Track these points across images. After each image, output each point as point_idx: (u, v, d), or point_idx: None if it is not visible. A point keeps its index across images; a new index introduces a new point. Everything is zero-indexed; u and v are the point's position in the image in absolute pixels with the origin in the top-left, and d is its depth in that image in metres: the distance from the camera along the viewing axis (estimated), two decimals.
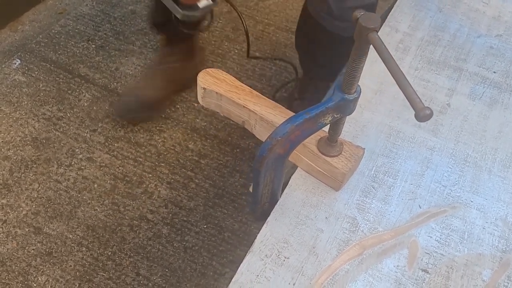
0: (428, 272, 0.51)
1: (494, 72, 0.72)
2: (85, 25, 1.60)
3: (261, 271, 0.50)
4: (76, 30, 1.58)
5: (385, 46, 0.40)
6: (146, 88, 1.29)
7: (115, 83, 1.43)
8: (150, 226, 1.15)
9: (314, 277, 0.50)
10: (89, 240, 1.11)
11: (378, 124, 0.64)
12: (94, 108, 1.36)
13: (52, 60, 1.48)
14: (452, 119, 0.66)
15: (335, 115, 0.48)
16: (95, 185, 1.21)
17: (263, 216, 0.56)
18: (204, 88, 0.60)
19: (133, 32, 1.59)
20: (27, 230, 1.13)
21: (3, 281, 1.05)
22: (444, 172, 0.60)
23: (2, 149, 1.25)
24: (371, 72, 0.69)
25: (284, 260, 0.51)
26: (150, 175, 1.23)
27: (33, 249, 1.10)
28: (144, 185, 1.21)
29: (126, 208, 1.17)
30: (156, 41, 1.54)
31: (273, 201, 0.56)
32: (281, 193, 0.56)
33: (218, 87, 0.60)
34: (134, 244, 1.12)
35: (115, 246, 1.11)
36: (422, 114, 0.37)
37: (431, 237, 0.54)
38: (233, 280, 0.49)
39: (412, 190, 0.58)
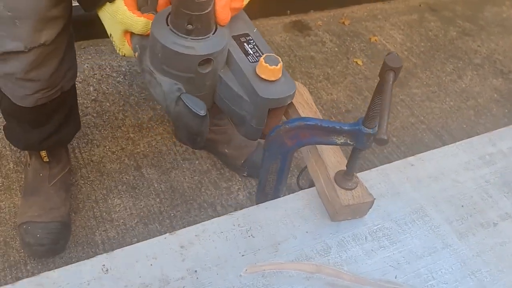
0: None
1: None
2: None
3: (226, 231, 0.57)
4: None
5: (391, 85, 0.45)
6: None
7: None
8: (214, 215, 1.26)
9: (262, 261, 0.55)
10: (165, 196, 1.28)
11: (411, 198, 0.66)
12: None
13: None
14: (487, 237, 0.63)
15: (349, 141, 0.54)
16: (196, 162, 1.38)
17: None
18: None
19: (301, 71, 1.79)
20: (132, 163, 1.35)
21: (93, 185, 1.28)
22: (443, 268, 0.58)
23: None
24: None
25: (248, 236, 0.57)
26: (240, 180, 1.36)
27: (126, 178, 1.31)
28: (231, 183, 1.34)
29: (206, 190, 1.31)
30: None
31: (275, 195, 0.62)
32: (284, 193, 0.63)
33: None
34: (193, 220, 1.24)
35: (178, 212, 1.25)
36: (379, 137, 0.41)
37: None
38: (202, 223, 0.57)
39: (400, 261, 0.58)
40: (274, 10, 2.06)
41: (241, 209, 1.28)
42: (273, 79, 0.58)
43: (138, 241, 1.18)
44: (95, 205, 1.23)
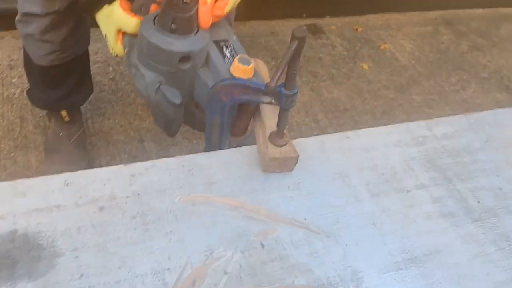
0: None
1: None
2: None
3: (171, 169, 0.70)
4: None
5: (293, 51, 0.57)
6: None
7: None
8: None
9: (195, 193, 0.67)
10: None
11: (339, 163, 0.76)
12: None
13: None
14: (397, 199, 0.73)
15: (273, 101, 0.66)
16: (195, 141, 1.52)
17: None
18: None
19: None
20: (136, 136, 1.50)
21: (99, 152, 1.43)
22: (348, 216, 0.69)
23: None
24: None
25: (189, 174, 0.70)
26: None
27: (129, 149, 1.46)
28: None
29: None
30: None
31: (220, 147, 0.75)
32: (227, 146, 0.75)
33: None
34: None
35: None
36: (268, 84, 0.53)
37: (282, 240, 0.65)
38: (153, 160, 0.70)
39: (312, 208, 0.69)
40: (291, 13, 2.19)
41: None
42: (245, 77, 0.66)
43: None
44: None
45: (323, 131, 1.67)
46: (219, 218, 0.65)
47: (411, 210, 0.72)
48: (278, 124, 0.70)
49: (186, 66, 0.70)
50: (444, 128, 0.86)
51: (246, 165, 0.73)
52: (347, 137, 0.81)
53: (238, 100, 0.67)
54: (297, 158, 0.71)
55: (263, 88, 0.64)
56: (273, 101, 0.66)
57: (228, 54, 0.72)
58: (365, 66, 2.01)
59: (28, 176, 1.34)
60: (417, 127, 0.86)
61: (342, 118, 1.75)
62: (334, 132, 0.81)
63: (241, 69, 0.67)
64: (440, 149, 0.82)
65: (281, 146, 0.71)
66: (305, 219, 0.68)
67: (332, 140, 0.80)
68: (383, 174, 0.76)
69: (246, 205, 0.67)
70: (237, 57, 0.67)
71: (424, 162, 0.80)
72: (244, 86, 0.65)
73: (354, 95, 1.86)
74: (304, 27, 0.58)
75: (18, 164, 1.35)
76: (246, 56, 0.69)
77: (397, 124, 0.86)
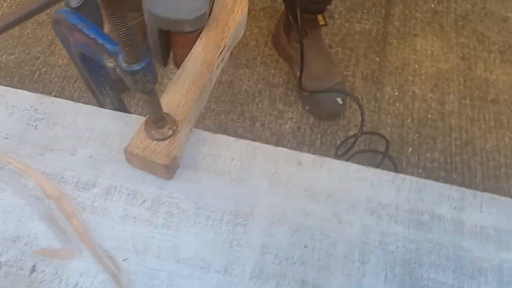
0: None
1: None
2: None
3: (18, 108, 0.51)
4: None
5: None
6: None
7: None
8: (249, 129, 1.17)
9: (16, 154, 0.48)
10: (220, 88, 1.23)
11: (255, 195, 0.47)
12: None
13: None
14: None
15: (117, 70, 0.39)
16: (272, 71, 1.26)
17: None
18: None
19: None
20: None
21: None
22: None
23: None
24: None
25: (32, 125, 0.50)
26: (300, 110, 1.20)
27: None
28: (288, 108, 1.20)
29: (259, 103, 1.21)
30: None
31: (101, 103, 0.53)
32: (110, 106, 0.52)
33: None
34: (225, 122, 1.18)
35: (219, 108, 1.20)
36: None
37: None
38: (6, 88, 0.52)
39: (150, 249, 0.44)
40: None
41: (279, 139, 1.16)
42: None
43: None
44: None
45: (442, 119, 1.22)
46: (10, 203, 0.45)
47: None
48: (148, 108, 0.43)
49: None
50: (488, 216, 0.47)
51: (117, 142, 0.49)
52: (321, 166, 0.49)
53: (82, 49, 0.42)
54: (167, 168, 0.45)
55: (102, 43, 0.38)
56: (117, 69, 0.39)
57: None
58: None
59: None
60: (441, 194, 0.48)
61: (481, 111, 1.24)
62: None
63: None
64: (453, 249, 0.45)
65: (155, 139, 0.46)
66: (124, 260, 0.44)
67: (277, 156, 0.50)
68: (305, 247, 0.45)
69: (63, 201, 0.46)
70: None
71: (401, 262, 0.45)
72: (79, 31, 0.39)
73: None
74: None
75: None
76: None
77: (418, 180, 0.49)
